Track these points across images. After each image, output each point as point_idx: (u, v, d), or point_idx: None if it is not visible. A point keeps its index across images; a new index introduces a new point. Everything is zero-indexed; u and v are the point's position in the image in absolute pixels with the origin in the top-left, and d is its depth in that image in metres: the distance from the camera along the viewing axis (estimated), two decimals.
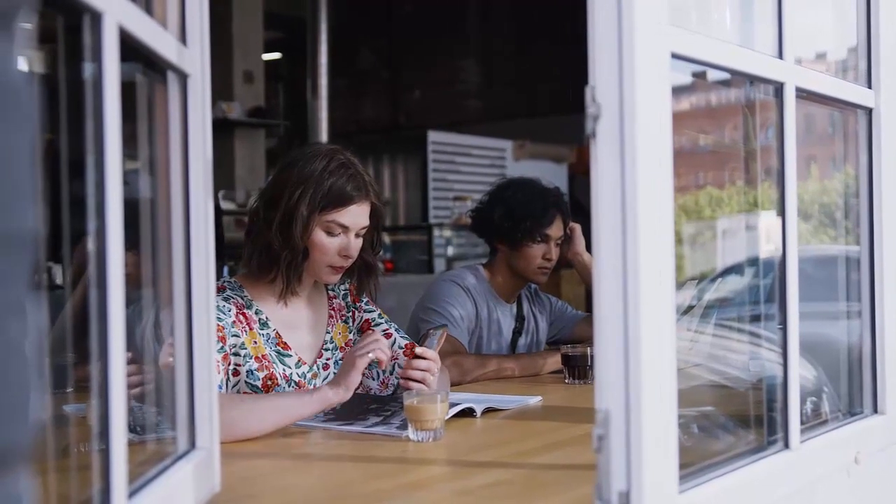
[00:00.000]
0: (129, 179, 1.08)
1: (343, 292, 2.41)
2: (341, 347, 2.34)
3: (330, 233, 2.18)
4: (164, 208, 1.34)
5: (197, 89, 1.36)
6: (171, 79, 1.32)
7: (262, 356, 2.17)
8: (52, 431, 1.26)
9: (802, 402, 1.57)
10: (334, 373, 2.28)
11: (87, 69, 1.00)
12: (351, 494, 1.54)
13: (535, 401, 2.35)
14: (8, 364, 0.55)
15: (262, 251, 2.19)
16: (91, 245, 1.00)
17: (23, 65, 0.60)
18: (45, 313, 0.63)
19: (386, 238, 7.67)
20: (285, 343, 2.23)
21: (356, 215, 2.19)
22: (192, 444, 1.36)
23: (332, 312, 2.36)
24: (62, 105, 1.07)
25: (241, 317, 2.16)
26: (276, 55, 10.78)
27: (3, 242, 0.54)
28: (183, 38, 1.34)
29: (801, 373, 1.55)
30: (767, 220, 1.82)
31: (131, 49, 1.09)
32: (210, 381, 1.39)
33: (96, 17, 0.98)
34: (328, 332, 2.34)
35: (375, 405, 2.14)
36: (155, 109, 1.33)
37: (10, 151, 0.54)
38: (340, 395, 1.97)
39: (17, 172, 0.55)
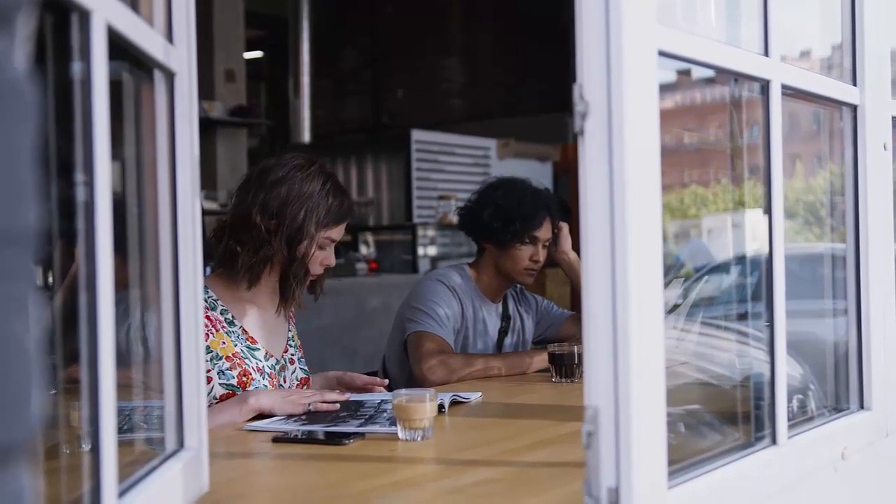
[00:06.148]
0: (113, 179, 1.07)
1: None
2: (299, 346, 2.47)
3: (322, 247, 2.29)
4: (150, 208, 1.33)
5: (184, 88, 1.36)
6: (158, 77, 1.31)
7: (233, 354, 2.23)
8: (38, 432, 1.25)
9: (788, 399, 1.57)
10: (300, 368, 2.42)
11: (75, 67, 0.99)
12: (341, 494, 1.54)
13: (475, 397, 2.35)
14: (11, 359, 0.55)
15: (262, 262, 2.25)
16: (79, 245, 0.99)
17: (23, 63, 0.60)
18: (48, 310, 0.63)
19: (370, 238, 7.66)
20: (252, 338, 2.30)
21: (343, 229, 2.34)
22: (181, 444, 1.36)
23: (291, 314, 2.47)
24: (49, 104, 1.06)
25: (205, 320, 2.18)
26: (257, 53, 10.75)
27: (7, 238, 0.54)
28: (170, 36, 1.33)
29: (787, 370, 1.55)
30: (752, 219, 1.82)
31: (117, 47, 1.09)
32: (198, 382, 1.39)
33: (84, 16, 0.97)
34: (290, 331, 2.45)
35: (358, 408, 2.14)
36: (141, 108, 1.32)
37: (12, 148, 0.54)
38: (261, 402, 2.09)
39: (20, 169, 0.55)
